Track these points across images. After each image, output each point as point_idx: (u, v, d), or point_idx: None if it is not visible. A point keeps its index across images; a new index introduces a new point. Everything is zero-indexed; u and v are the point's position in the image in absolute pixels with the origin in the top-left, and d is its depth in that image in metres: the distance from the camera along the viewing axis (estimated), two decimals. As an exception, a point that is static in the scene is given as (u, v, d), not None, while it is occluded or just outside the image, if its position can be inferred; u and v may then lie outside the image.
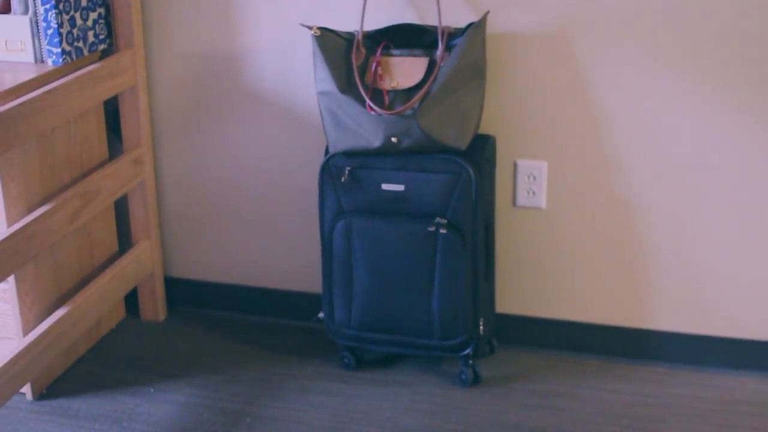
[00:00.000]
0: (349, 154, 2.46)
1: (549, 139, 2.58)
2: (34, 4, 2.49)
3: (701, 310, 2.61)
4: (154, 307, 2.94)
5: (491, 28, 2.49)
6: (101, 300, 2.70)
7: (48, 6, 2.47)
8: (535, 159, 2.60)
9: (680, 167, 2.51)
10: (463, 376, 2.58)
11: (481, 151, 2.47)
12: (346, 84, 2.43)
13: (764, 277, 2.56)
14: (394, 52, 2.47)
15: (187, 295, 3.00)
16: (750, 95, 2.43)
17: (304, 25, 2.49)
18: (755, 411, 2.48)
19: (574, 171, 2.58)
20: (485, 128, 2.57)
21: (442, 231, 2.42)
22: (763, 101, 2.42)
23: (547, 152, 2.59)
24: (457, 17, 2.50)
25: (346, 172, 2.46)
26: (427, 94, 2.37)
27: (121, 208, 2.89)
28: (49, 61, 2.53)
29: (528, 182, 2.62)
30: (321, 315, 2.63)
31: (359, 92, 2.41)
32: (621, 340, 2.69)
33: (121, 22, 2.68)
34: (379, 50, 2.46)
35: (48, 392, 2.60)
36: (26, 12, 2.52)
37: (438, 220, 2.43)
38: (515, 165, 2.62)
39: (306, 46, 2.58)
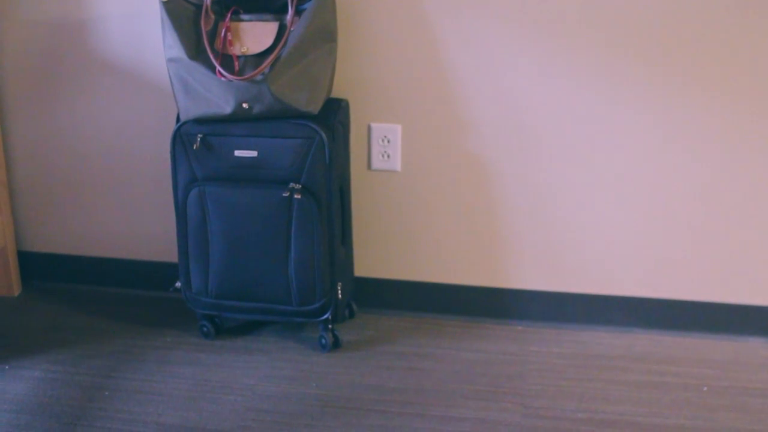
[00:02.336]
0: (200, 122, 2.43)
1: (402, 101, 2.58)
2: None
3: (557, 268, 2.66)
4: (8, 281, 2.88)
5: (341, -9, 2.48)
6: (-50, 277, 2.63)
7: None
8: (389, 122, 2.61)
9: (532, 128, 2.54)
10: (323, 341, 2.58)
11: (334, 115, 2.47)
12: (195, 50, 2.39)
13: (616, 235, 2.61)
14: (244, 17, 2.44)
15: (41, 269, 2.94)
16: (603, 54, 2.46)
17: (151, -9, 2.45)
18: (609, 365, 2.53)
19: (428, 133, 2.60)
20: (338, 92, 2.57)
21: (297, 196, 2.41)
22: (616, 60, 2.46)
23: (400, 115, 2.59)
24: (306, -19, 2.48)
25: (198, 139, 2.43)
26: (277, 58, 2.35)
27: (-31, 182, 2.82)
28: None
29: (382, 145, 2.62)
30: (178, 284, 2.60)
31: (209, 58, 2.38)
32: (480, 300, 2.72)
33: (-39, -10, 2.61)
34: (229, 15, 2.43)
35: None
36: None
37: (292, 185, 2.42)
38: (369, 128, 2.62)
39: (155, 12, 2.53)
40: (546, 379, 2.48)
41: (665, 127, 2.49)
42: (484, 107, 2.55)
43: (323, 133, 2.39)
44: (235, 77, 2.34)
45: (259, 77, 2.34)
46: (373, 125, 2.61)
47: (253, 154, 2.43)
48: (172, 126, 2.54)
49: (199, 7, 2.45)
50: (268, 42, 2.39)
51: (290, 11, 2.40)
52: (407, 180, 2.65)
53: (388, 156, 2.63)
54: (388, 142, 2.61)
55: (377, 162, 2.64)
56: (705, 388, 2.43)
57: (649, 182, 2.55)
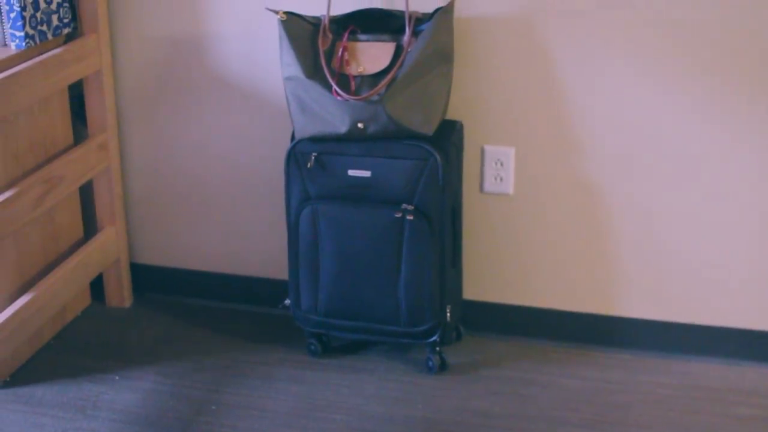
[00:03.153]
0: (315, 140, 2.45)
1: (516, 125, 2.57)
2: (-3, -13, 2.47)
3: (667, 297, 2.62)
4: (120, 293, 2.92)
5: (459, 12, 2.48)
6: (66, 287, 2.68)
7: (11, -11, 2.45)
8: (502, 145, 2.59)
9: (647, 155, 2.52)
10: (430, 363, 2.57)
11: (449, 136, 2.46)
12: (312, 69, 2.41)
13: (727, 266, 2.56)
14: (361, 37, 2.45)
15: (153, 282, 2.98)
16: (716, 86, 2.43)
17: (270, 9, 2.47)
18: (718, 397, 2.49)
19: (542, 157, 2.58)
20: (452, 114, 2.56)
21: (409, 217, 2.41)
22: (729, 92, 2.42)
23: (514, 138, 2.58)
24: (424, 2, 2.48)
25: (312, 158, 2.45)
26: (393, 79, 2.35)
27: (86, 193, 2.87)
28: (12, 45, 2.50)
29: (495, 168, 2.61)
30: (287, 302, 2.62)
31: (326, 77, 2.39)
32: (587, 327, 2.69)
33: (85, 6, 2.66)
34: (346, 35, 2.45)
35: (12, 379, 2.58)
36: (-12, -5, 2.49)
37: (405, 206, 2.42)
38: (482, 150, 2.61)
39: (272, 30, 2.56)
40: (652, 410, 2.44)
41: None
42: (597, 132, 2.52)
43: (437, 154, 2.38)
44: (351, 97, 2.35)
45: (375, 97, 2.35)
46: (487, 148, 2.60)
47: (367, 174, 2.43)
48: (286, 144, 2.56)
49: (316, 26, 2.47)
50: (384, 62, 2.40)
51: (407, 32, 2.41)
52: (519, 203, 2.63)
53: (501, 179, 2.61)
54: (501, 165, 2.60)
55: (490, 185, 2.63)
56: (820, 426, 2.38)
57: (763, 211, 2.50)
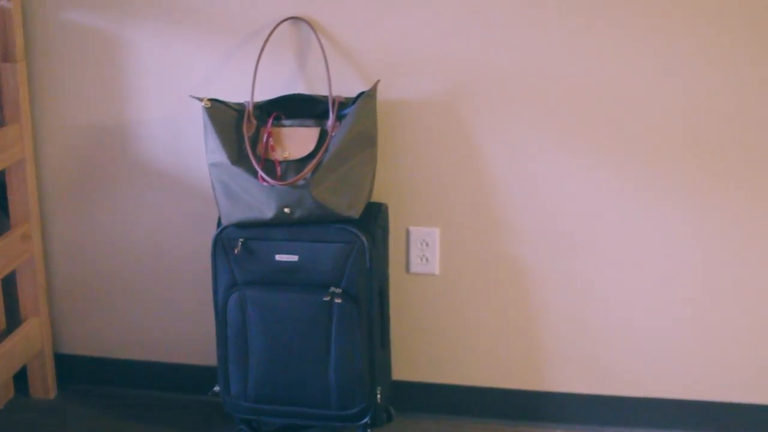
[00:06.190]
0: (241, 226, 2.45)
1: (441, 205, 2.60)
2: None
3: (596, 370, 2.65)
4: (45, 384, 2.87)
5: (382, 95, 2.51)
6: (-11, 380, 2.63)
7: (-70, 81, 2.43)
8: (427, 225, 2.62)
9: (570, 231, 2.56)
10: (362, 446, 2.57)
11: (375, 219, 2.48)
12: (237, 155, 2.42)
13: (656, 336, 2.60)
14: (285, 122, 2.47)
15: (78, 372, 2.94)
16: (639, 160, 2.48)
17: (194, 97, 2.48)
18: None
19: (467, 236, 2.61)
20: (377, 196, 2.59)
21: (337, 300, 2.41)
22: (656, 165, 2.48)
23: (439, 219, 2.61)
24: (347, 87, 2.52)
25: (239, 243, 2.45)
26: (319, 164, 2.37)
27: (8, 284, 2.83)
28: (-68, 137, 2.48)
29: (421, 248, 2.63)
30: (216, 388, 2.59)
31: (251, 163, 2.40)
32: (518, 403, 2.70)
33: (7, 96, 2.65)
34: (270, 121, 2.46)
35: (-66, 477, 2.52)
36: None
37: (332, 289, 2.42)
38: (408, 232, 2.63)
39: (196, 116, 2.57)
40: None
41: (709, 233, 2.50)
42: (521, 211, 2.56)
43: (364, 237, 2.40)
44: (277, 182, 2.37)
45: (301, 182, 2.36)
46: (412, 229, 2.63)
47: (294, 258, 2.44)
48: (211, 229, 2.56)
49: (240, 112, 2.49)
50: (309, 147, 2.42)
51: (331, 117, 2.44)
52: (445, 283, 2.65)
53: (427, 259, 2.64)
54: (427, 245, 2.62)
55: (416, 265, 2.65)
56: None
57: (691, 286, 2.55)
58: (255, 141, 2.46)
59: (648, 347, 2.61)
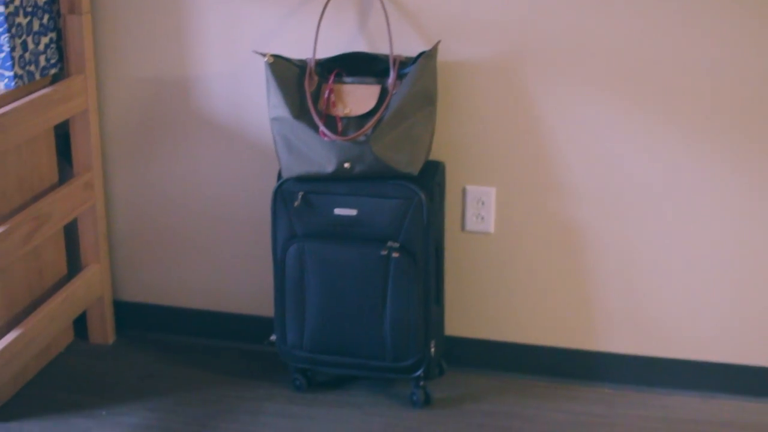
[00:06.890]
0: (301, 179, 2.49)
1: (497, 165, 2.63)
2: (-13, 28, 2.50)
3: (646, 331, 2.67)
4: (103, 330, 2.94)
5: (442, 57, 2.54)
6: (51, 324, 2.69)
7: (0, 30, 2.48)
8: (483, 185, 2.65)
9: (625, 192, 2.58)
10: (414, 398, 2.61)
11: (432, 176, 2.52)
12: (299, 110, 2.46)
13: (707, 300, 2.62)
14: (347, 79, 2.51)
15: (136, 319, 3.00)
16: (695, 123, 2.50)
17: (257, 52, 2.52)
18: (697, 429, 2.54)
19: (522, 196, 2.64)
20: (436, 154, 2.62)
21: (395, 255, 2.46)
22: (708, 129, 2.50)
23: (495, 178, 2.64)
24: (408, 46, 2.54)
25: (299, 196, 2.49)
26: (380, 120, 2.41)
27: (70, 231, 2.89)
28: (1, 85, 2.53)
29: (477, 207, 2.66)
30: (273, 338, 2.65)
31: (312, 118, 2.44)
32: (568, 362, 2.74)
33: (72, 47, 2.70)
34: (332, 78, 2.50)
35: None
36: (-22, 36, 2.52)
37: (390, 244, 2.46)
38: (464, 190, 2.67)
39: (258, 72, 2.60)
40: (634, 443, 2.50)
41: (762, 195, 2.51)
42: (577, 171, 2.58)
43: (422, 194, 2.44)
44: (338, 137, 2.40)
45: (362, 138, 2.40)
46: (468, 187, 2.66)
47: (353, 212, 2.48)
48: (271, 182, 2.60)
49: (303, 68, 2.52)
50: (370, 104, 2.46)
51: (392, 75, 2.47)
52: (500, 242, 2.69)
53: (482, 218, 2.67)
54: (483, 204, 2.65)
55: (471, 224, 2.68)
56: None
57: (743, 249, 2.57)
58: (316, 97, 2.50)
59: (700, 310, 2.64)
